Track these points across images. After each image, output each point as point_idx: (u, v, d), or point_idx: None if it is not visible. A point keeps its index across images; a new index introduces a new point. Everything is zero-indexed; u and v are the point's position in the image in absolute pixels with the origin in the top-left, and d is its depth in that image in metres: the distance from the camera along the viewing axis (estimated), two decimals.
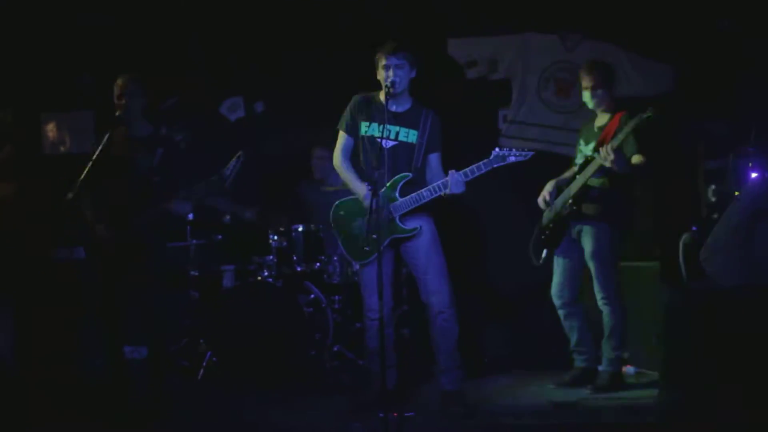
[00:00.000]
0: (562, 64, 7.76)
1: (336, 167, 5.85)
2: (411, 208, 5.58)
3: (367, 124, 5.71)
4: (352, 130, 5.77)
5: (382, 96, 5.65)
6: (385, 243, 5.58)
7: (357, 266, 6.00)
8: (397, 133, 5.66)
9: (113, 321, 5.95)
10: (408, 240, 5.66)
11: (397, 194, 5.60)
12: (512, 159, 5.52)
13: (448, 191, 5.49)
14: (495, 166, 5.51)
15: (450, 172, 5.50)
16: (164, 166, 5.88)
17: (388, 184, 5.59)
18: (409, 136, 5.65)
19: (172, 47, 7.99)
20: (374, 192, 5.28)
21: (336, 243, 7.07)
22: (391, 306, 5.76)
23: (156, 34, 7.94)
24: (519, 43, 7.85)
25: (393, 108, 5.65)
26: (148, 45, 7.90)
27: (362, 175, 5.72)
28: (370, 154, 5.67)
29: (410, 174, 5.61)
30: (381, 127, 5.60)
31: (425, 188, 5.57)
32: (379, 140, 5.56)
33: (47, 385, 6.53)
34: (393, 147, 5.65)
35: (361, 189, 5.67)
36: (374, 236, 5.40)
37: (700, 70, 7.31)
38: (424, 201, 5.56)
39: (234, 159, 5.67)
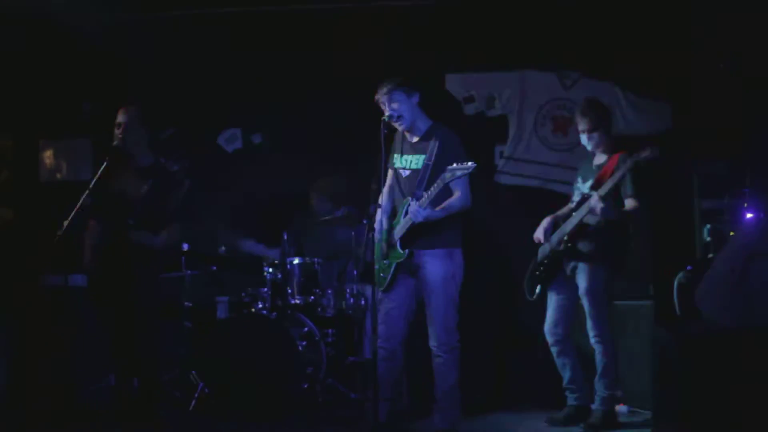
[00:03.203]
0: (559, 101, 7.78)
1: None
2: (404, 231, 5.60)
3: (397, 156, 5.82)
4: (391, 164, 5.90)
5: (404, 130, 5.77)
6: (392, 269, 5.62)
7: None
8: (410, 162, 5.73)
9: (122, 350, 5.97)
10: (418, 271, 5.65)
11: (401, 219, 5.66)
12: (459, 173, 5.38)
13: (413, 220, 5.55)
14: (447, 182, 5.42)
15: (409, 200, 5.59)
16: (152, 196, 5.89)
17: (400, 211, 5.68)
18: (419, 162, 5.70)
19: (170, 77, 8.01)
20: (369, 226, 5.31)
21: (331, 276, 7.12)
22: (400, 339, 5.74)
23: (156, 64, 7.97)
24: (517, 80, 7.88)
25: (411, 139, 5.76)
26: (148, 74, 7.92)
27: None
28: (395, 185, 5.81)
29: (410, 199, 5.61)
30: (402, 157, 5.76)
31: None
32: (401, 172, 5.74)
33: (43, 412, 6.51)
34: (408, 176, 5.75)
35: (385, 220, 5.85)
36: (386, 261, 5.57)
37: (697, 110, 7.33)
38: (411, 225, 5.56)
39: (178, 190, 5.74)
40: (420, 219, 5.48)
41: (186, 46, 7.95)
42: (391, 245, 5.64)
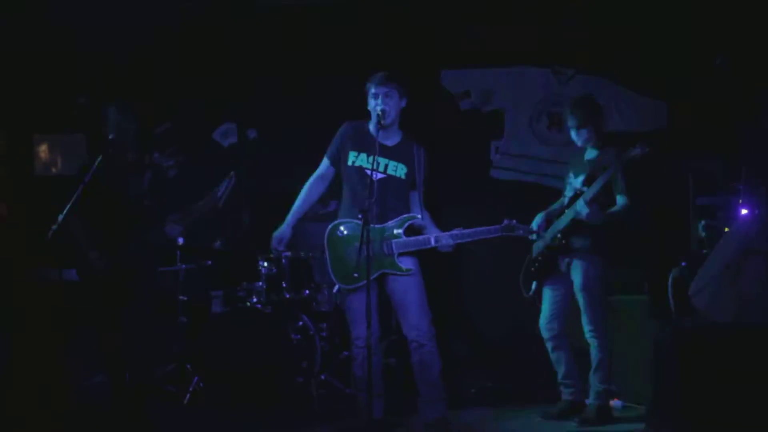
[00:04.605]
0: (554, 97, 7.80)
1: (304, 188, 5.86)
2: (411, 249, 5.57)
3: (356, 154, 5.65)
4: (335, 160, 5.75)
5: (372, 126, 5.64)
6: (375, 275, 5.54)
7: (335, 290, 5.96)
8: (386, 166, 5.62)
9: (114, 345, 5.97)
10: (393, 274, 5.66)
11: (402, 232, 5.58)
12: (520, 233, 5.64)
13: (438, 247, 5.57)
14: (500, 234, 5.58)
15: (438, 235, 5.56)
16: (154, 189, 5.90)
17: (397, 221, 5.59)
18: (397, 170, 5.63)
19: (166, 72, 8.02)
20: (365, 221, 5.25)
21: (326, 271, 7.09)
22: (378, 335, 5.73)
23: (149, 60, 7.98)
24: (512, 76, 7.89)
25: (383, 140, 5.62)
26: (141, 69, 7.93)
27: (349, 205, 5.69)
28: (359, 185, 5.63)
29: (419, 216, 5.61)
30: (370, 158, 5.58)
31: (431, 235, 5.58)
32: (368, 172, 5.53)
33: (36, 408, 6.50)
34: (381, 180, 5.61)
35: (289, 220, 5.79)
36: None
37: (692, 107, 7.35)
38: (427, 247, 5.55)
39: (226, 179, 5.69)
40: (446, 251, 5.60)
41: (182, 40, 7.97)
42: (383, 255, 5.59)
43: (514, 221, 5.58)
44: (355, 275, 5.49)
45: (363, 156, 5.64)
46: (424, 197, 5.71)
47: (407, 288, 5.62)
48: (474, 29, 7.70)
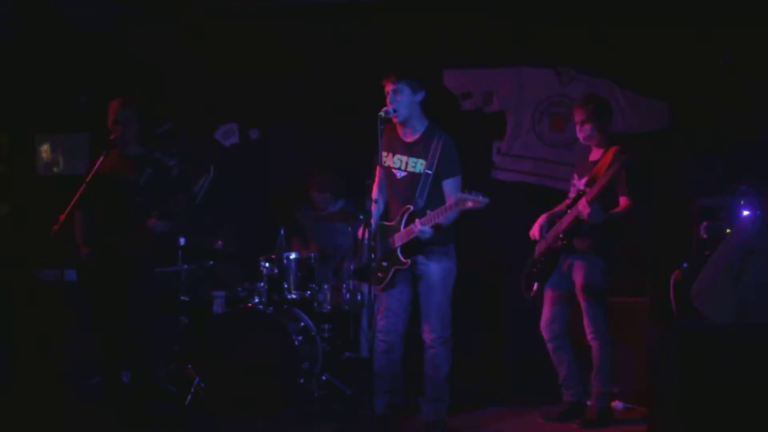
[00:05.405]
0: (556, 98, 7.78)
1: None
2: (405, 241, 5.59)
3: (386, 154, 5.74)
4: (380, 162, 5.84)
5: (398, 126, 5.70)
6: (391, 273, 5.65)
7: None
8: (406, 164, 5.69)
9: (110, 343, 5.98)
10: (416, 267, 5.68)
11: (402, 226, 5.63)
12: (469, 205, 5.32)
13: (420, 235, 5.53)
14: (455, 210, 5.39)
15: (414, 223, 5.52)
16: (151, 186, 5.90)
17: (399, 216, 5.66)
18: (416, 166, 5.66)
19: (168, 71, 8.02)
20: (366, 223, 5.29)
21: (327, 271, 7.10)
22: (401, 332, 5.79)
23: (151, 58, 7.97)
24: (514, 76, 7.87)
25: (405, 137, 5.71)
26: (143, 67, 7.93)
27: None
28: (392, 185, 5.76)
29: (411, 207, 5.62)
30: (395, 157, 5.71)
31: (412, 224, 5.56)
32: (395, 172, 5.69)
33: (37, 406, 6.51)
34: (403, 178, 5.71)
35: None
36: (385, 264, 5.58)
37: (694, 108, 7.34)
38: (412, 236, 5.55)
39: (204, 175, 5.72)
40: (427, 237, 5.50)
41: (184, 40, 7.97)
42: (390, 251, 5.63)
43: (465, 193, 5.32)
44: (379, 275, 5.60)
45: (390, 156, 5.74)
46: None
47: (427, 288, 5.69)
48: (476, 29, 7.70)
